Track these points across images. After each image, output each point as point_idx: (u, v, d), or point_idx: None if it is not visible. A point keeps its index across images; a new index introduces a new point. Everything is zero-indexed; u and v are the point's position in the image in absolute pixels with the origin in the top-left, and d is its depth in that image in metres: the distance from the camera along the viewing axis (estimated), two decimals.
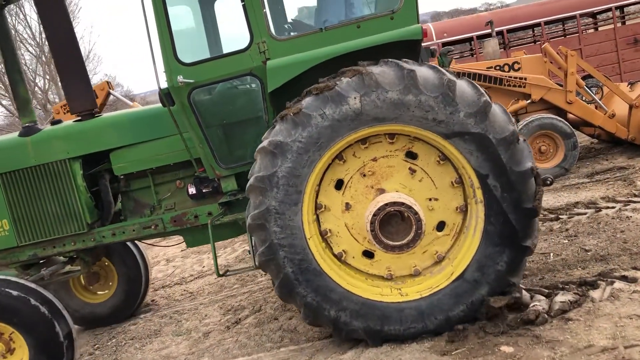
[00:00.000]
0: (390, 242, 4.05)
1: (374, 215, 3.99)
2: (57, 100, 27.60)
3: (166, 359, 5.09)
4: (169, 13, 4.43)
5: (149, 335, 5.76)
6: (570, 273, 4.91)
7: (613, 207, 6.58)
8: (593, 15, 16.83)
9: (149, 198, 5.35)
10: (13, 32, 26.00)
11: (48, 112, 26.17)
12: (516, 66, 9.63)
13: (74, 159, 5.13)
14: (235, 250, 8.50)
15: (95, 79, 30.12)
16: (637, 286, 4.32)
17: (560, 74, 9.51)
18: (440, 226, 4.24)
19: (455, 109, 3.86)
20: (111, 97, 11.13)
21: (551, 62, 9.72)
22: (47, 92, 28.59)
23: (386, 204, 3.99)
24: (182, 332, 5.66)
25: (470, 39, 16.35)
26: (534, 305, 4.21)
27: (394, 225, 4.07)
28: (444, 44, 15.96)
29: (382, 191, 4.17)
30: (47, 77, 28.54)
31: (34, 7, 5.43)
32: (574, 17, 15.83)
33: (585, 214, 6.58)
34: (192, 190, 5.12)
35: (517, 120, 9.40)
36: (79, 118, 5.33)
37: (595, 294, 4.32)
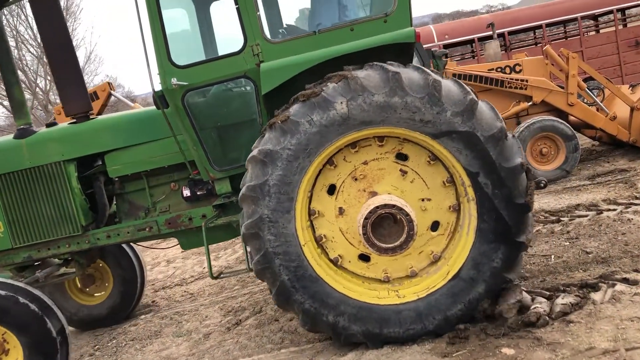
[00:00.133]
0: (383, 245, 4.06)
1: (366, 218, 4.00)
2: (58, 101, 27.59)
3: (166, 359, 5.09)
4: (164, 16, 4.44)
5: (149, 336, 5.76)
6: (571, 275, 4.90)
7: (614, 210, 6.57)
8: (594, 17, 16.84)
9: (144, 200, 5.35)
10: (15, 32, 26.10)
11: (49, 112, 26.19)
12: (517, 68, 9.63)
13: (68, 161, 5.13)
14: (236, 252, 8.50)
15: (96, 80, 30.23)
16: (638, 288, 4.31)
17: (561, 76, 9.51)
18: (435, 226, 4.24)
19: (442, 109, 3.87)
20: (112, 98, 11.11)
21: (552, 64, 9.72)
22: (49, 93, 28.62)
23: (377, 207, 4.00)
24: (182, 333, 5.66)
25: (471, 41, 16.36)
26: (535, 308, 4.20)
27: (387, 227, 4.08)
28: (446, 46, 15.97)
29: (374, 194, 4.18)
30: (49, 77, 28.56)
31: (30, 9, 5.43)
32: (575, 19, 15.85)
33: (586, 216, 6.57)
34: (186, 192, 5.12)
35: (518, 122, 9.41)
36: (74, 120, 5.33)
37: (596, 296, 4.31)
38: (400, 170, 4.17)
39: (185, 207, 5.22)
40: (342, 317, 4.12)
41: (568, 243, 5.76)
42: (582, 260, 5.18)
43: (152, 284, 8.02)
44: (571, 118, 9.40)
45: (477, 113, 3.88)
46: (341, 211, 4.22)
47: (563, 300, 4.26)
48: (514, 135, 4.03)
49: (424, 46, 9.51)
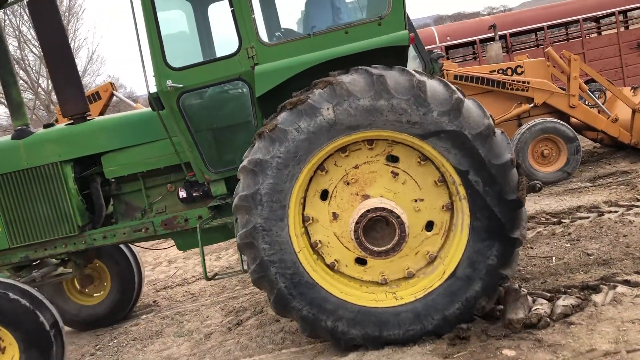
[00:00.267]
0: (376, 248, 4.07)
1: (357, 223, 4.01)
2: None
3: (167, 359, 5.09)
4: (160, 17, 4.45)
5: (150, 336, 5.77)
6: (572, 277, 4.90)
7: (616, 212, 6.57)
8: (596, 19, 16.83)
9: (140, 201, 5.37)
10: (17, 32, 26.14)
11: (51, 112, 26.24)
12: (519, 70, 9.63)
13: (65, 162, 5.16)
14: (237, 252, 8.50)
15: (98, 80, 30.26)
16: (639, 290, 4.31)
17: (563, 78, 9.51)
18: (429, 226, 4.24)
19: (428, 109, 3.87)
20: (114, 98, 11.13)
21: (554, 66, 9.73)
22: (51, 93, 28.65)
23: (368, 211, 4.01)
24: (183, 333, 5.67)
25: (473, 43, 16.37)
26: (536, 309, 4.21)
27: (379, 230, 4.09)
28: (447, 47, 15.98)
29: (367, 197, 4.18)
30: None
31: (27, 10, 5.46)
32: (577, 21, 15.85)
33: (587, 218, 6.58)
34: (182, 193, 5.13)
35: (520, 124, 9.42)
36: (71, 121, 5.35)
37: (597, 298, 4.31)
38: (392, 172, 4.18)
39: (181, 208, 5.24)
40: (340, 321, 4.13)
41: (569, 245, 5.77)
42: (583, 262, 5.18)
43: (154, 284, 8.03)
44: (573, 120, 9.41)
45: (464, 111, 3.89)
46: (335, 216, 4.23)
47: (564, 301, 4.27)
48: (502, 132, 4.02)
49: (426, 47, 9.51)
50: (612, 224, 6.09)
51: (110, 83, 10.84)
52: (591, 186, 8.16)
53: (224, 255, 8.58)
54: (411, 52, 9.13)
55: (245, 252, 4.12)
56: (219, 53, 4.90)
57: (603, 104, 9.51)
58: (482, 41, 15.57)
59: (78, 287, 6.43)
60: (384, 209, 4.00)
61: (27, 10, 26.16)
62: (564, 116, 9.30)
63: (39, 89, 28.28)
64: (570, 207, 7.12)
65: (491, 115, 4.06)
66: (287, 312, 4.20)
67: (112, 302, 6.35)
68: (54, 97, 28.41)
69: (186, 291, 7.22)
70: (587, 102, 9.63)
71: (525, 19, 16.51)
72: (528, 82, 9.29)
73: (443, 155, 3.95)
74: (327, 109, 3.90)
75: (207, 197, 5.06)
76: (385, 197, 4.15)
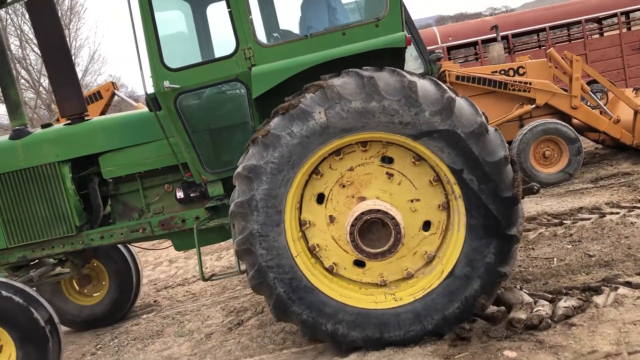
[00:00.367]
0: (372, 250, 4.06)
1: (352, 225, 4.01)
2: None
3: (168, 359, 5.09)
4: (158, 18, 4.45)
5: (151, 336, 5.77)
6: (574, 278, 4.89)
7: (617, 213, 6.56)
8: (598, 20, 16.81)
9: (138, 202, 5.37)
10: (19, 32, 26.17)
11: (53, 112, 26.24)
12: (521, 71, 9.63)
13: (63, 162, 5.17)
14: None
15: (99, 80, 30.25)
16: None
17: (565, 79, 9.51)
18: (426, 226, 4.23)
19: (420, 109, 3.87)
20: (116, 97, 11.14)
21: (556, 67, 9.72)
22: (52, 92, 28.67)
23: (362, 213, 4.01)
24: (184, 333, 5.67)
25: (475, 43, 16.36)
26: (537, 310, 4.20)
27: (375, 232, 4.08)
28: (449, 48, 15.97)
29: (363, 199, 4.18)
30: None
31: (26, 11, 5.48)
32: (579, 22, 15.84)
33: (589, 219, 6.57)
34: (180, 194, 5.13)
35: (522, 125, 9.41)
36: (69, 122, 5.36)
37: (599, 299, 4.30)
38: (387, 173, 4.18)
39: (178, 208, 5.24)
40: (340, 324, 4.13)
41: (571, 246, 5.76)
42: (585, 264, 5.17)
43: (155, 284, 8.04)
44: (574, 121, 9.40)
45: (456, 110, 3.88)
46: (332, 219, 4.23)
47: (565, 303, 4.26)
48: (495, 129, 4.02)
49: (427, 48, 9.51)
50: (614, 225, 6.08)
51: (112, 82, 10.85)
52: (593, 187, 8.15)
53: (225, 255, 8.58)
54: (413, 52, 9.14)
55: (243, 259, 4.14)
56: (218, 54, 4.90)
57: (605, 105, 9.50)
58: (484, 42, 15.58)
59: (76, 287, 6.45)
60: (378, 210, 4.00)
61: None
62: (565, 117, 9.29)
63: (41, 88, 28.30)
64: (571, 209, 7.12)
65: (484, 113, 4.06)
66: (287, 317, 4.20)
67: (111, 301, 6.36)
68: None
69: (187, 291, 7.22)
70: (589, 103, 9.62)
71: (527, 19, 16.49)
72: (530, 83, 9.28)
73: (437, 155, 3.94)
74: (319, 112, 3.91)
75: (204, 197, 5.06)
76: (381, 199, 4.15)
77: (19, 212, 5.20)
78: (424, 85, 3.94)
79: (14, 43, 26.37)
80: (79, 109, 5.31)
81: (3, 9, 24.78)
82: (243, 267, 4.30)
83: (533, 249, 5.90)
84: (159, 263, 9.20)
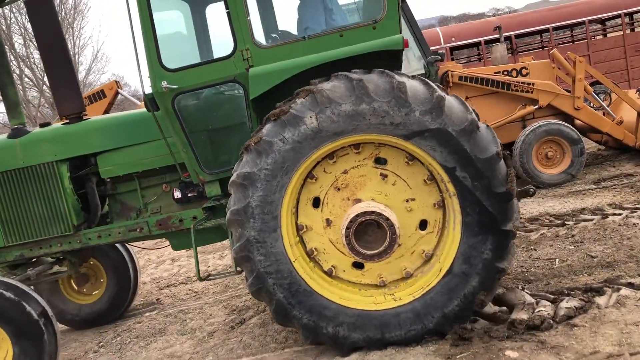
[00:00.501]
0: (368, 252, 4.08)
1: (347, 228, 4.03)
2: None
3: (170, 357, 5.11)
4: (156, 18, 4.46)
5: (153, 334, 5.79)
6: (576, 279, 4.90)
7: (620, 214, 6.56)
8: (602, 21, 16.78)
9: (135, 201, 5.38)
10: (23, 30, 26.23)
11: (55, 110, 26.29)
12: (524, 71, 9.62)
13: (61, 162, 5.18)
14: None
15: (103, 78, 30.34)
16: None
17: (568, 80, 9.50)
18: (423, 225, 4.24)
19: (410, 110, 3.88)
20: (119, 96, 11.17)
21: (559, 68, 9.71)
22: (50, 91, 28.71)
23: (357, 216, 4.02)
24: (186, 331, 5.68)
25: (478, 44, 16.34)
26: (539, 311, 4.21)
27: (371, 234, 4.10)
28: (452, 48, 15.96)
29: (358, 201, 4.20)
30: None
31: (25, 10, 5.51)
32: (582, 23, 15.81)
33: (591, 220, 6.56)
34: (177, 194, 5.15)
35: (524, 126, 9.41)
36: (67, 121, 5.37)
37: (601, 300, 4.30)
38: (381, 174, 4.19)
39: (176, 208, 5.26)
40: (341, 327, 4.14)
41: (573, 247, 5.76)
42: (587, 264, 5.17)
43: (157, 282, 8.06)
44: (577, 122, 9.39)
45: (446, 109, 3.89)
46: (328, 222, 4.24)
47: (567, 303, 4.26)
48: (487, 126, 4.02)
49: (431, 48, 9.51)
50: (616, 226, 6.08)
51: (115, 81, 10.88)
52: (595, 188, 8.15)
53: (227, 253, 8.59)
54: (416, 52, 9.14)
55: (242, 266, 4.17)
56: (217, 54, 4.93)
57: (608, 107, 9.49)
58: (487, 42, 15.55)
59: (75, 286, 6.48)
60: (372, 212, 4.02)
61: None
62: (568, 118, 9.28)
63: (44, 87, 28.36)
64: (574, 209, 7.11)
65: (474, 110, 4.07)
66: (288, 322, 4.22)
67: (110, 298, 6.40)
68: None
69: (189, 289, 7.24)
70: (592, 104, 9.61)
71: (531, 20, 16.46)
72: (533, 84, 9.28)
73: (429, 154, 3.96)
74: (310, 117, 3.93)
75: (201, 197, 5.08)
76: (376, 200, 4.17)
77: (17, 210, 5.22)
78: (413, 86, 3.95)
79: (17, 42, 26.46)
80: (77, 109, 5.32)
81: (7, 8, 24.81)
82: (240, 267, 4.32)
83: (535, 250, 5.91)
84: (161, 261, 9.22)
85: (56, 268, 5.83)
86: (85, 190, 5.35)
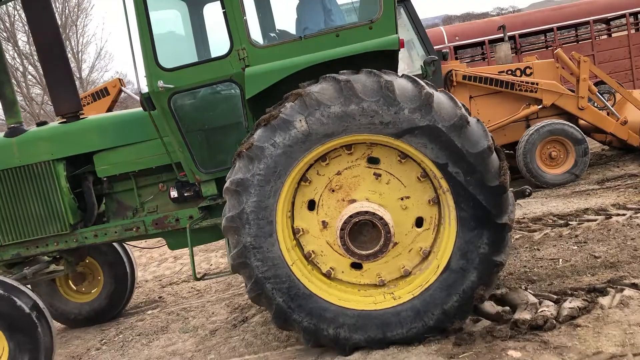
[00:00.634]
0: (364, 252, 4.08)
1: (342, 229, 4.03)
2: None
3: (172, 355, 5.12)
4: (153, 17, 4.47)
5: (155, 332, 5.80)
6: (579, 279, 4.88)
7: (623, 215, 6.54)
8: (607, 21, 16.72)
9: (132, 200, 5.39)
10: (26, 28, 26.25)
11: None
12: (528, 71, 9.59)
13: (58, 161, 5.19)
14: None
15: (106, 76, 30.38)
16: None
17: (572, 80, 9.47)
18: (419, 222, 4.24)
19: (399, 108, 3.88)
20: (122, 94, 11.17)
21: (563, 68, 9.68)
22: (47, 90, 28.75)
23: (350, 216, 4.02)
24: (189, 329, 5.69)
25: (482, 43, 16.31)
26: (542, 311, 4.20)
27: (366, 234, 4.10)
28: (456, 48, 15.92)
29: (353, 202, 4.20)
30: None
31: (22, 9, 5.53)
32: (587, 22, 15.74)
33: (595, 220, 6.55)
34: (174, 193, 5.15)
35: (528, 126, 9.39)
36: (64, 120, 5.38)
37: (604, 300, 4.29)
38: (374, 174, 4.19)
39: (172, 208, 5.26)
40: (342, 328, 4.14)
41: (576, 247, 5.74)
42: (591, 265, 5.16)
43: (159, 280, 8.07)
44: (581, 122, 9.36)
45: (435, 105, 3.89)
46: (325, 224, 4.25)
47: (571, 304, 4.25)
48: (477, 120, 4.02)
49: (434, 47, 9.49)
50: (620, 226, 6.06)
51: (119, 79, 10.88)
52: (599, 189, 8.13)
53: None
54: (419, 51, 9.13)
55: (240, 272, 4.17)
56: (214, 54, 4.94)
57: (612, 107, 9.46)
58: (491, 42, 15.50)
59: (73, 286, 6.50)
60: (366, 212, 4.02)
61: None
62: (572, 118, 9.26)
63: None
64: (577, 210, 7.09)
65: (464, 105, 4.07)
66: (288, 326, 4.23)
67: (108, 294, 6.42)
68: None
69: (192, 287, 7.25)
70: (596, 104, 9.58)
71: (535, 20, 16.41)
72: (537, 84, 9.25)
73: (420, 151, 3.95)
74: (300, 120, 3.94)
75: (198, 197, 5.08)
76: (370, 200, 4.17)
77: (14, 209, 5.22)
78: (401, 84, 3.96)
79: (21, 39, 26.50)
80: (74, 108, 5.33)
81: (10, 5, 24.84)
82: None
83: (538, 250, 5.89)
84: (164, 259, 9.24)
85: (53, 267, 5.85)
86: (82, 189, 5.35)
